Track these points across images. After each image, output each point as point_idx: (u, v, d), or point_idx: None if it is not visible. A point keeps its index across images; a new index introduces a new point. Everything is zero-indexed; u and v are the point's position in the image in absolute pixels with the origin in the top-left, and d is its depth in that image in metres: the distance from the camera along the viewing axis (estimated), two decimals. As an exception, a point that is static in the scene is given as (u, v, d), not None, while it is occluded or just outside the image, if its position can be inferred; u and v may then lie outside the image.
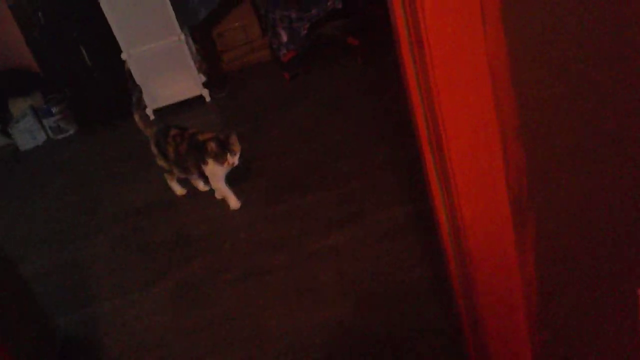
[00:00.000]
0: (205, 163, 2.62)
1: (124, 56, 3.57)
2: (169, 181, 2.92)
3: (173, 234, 2.70)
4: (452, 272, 1.18)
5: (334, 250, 2.27)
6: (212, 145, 2.54)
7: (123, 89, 3.82)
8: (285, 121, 3.34)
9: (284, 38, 3.57)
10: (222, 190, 2.71)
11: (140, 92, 3.36)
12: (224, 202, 2.75)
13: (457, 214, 1.04)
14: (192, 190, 2.93)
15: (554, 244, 1.05)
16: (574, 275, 1.09)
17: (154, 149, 2.84)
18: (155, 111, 3.76)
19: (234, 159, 2.56)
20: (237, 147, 2.58)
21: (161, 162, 2.85)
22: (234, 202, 2.71)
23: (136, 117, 2.92)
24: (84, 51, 3.71)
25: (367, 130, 3.01)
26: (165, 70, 3.63)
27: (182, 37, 3.51)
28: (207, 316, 2.17)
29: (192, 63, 3.63)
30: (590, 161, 1.00)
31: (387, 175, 2.59)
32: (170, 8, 3.44)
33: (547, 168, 0.99)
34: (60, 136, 4.07)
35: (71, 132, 4.06)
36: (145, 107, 3.72)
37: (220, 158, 2.55)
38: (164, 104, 3.75)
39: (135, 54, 3.56)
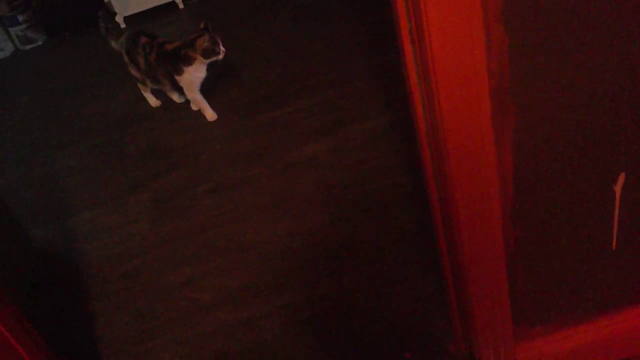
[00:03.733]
0: (181, 72, 2.52)
1: (90, -42, 3.34)
2: (143, 92, 2.82)
3: (148, 146, 2.64)
4: (428, 168, 1.15)
5: (312, 161, 2.24)
6: (204, 41, 2.41)
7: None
8: (263, 30, 3.20)
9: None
10: (198, 101, 2.63)
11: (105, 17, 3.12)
12: (200, 114, 2.67)
13: (435, 105, 0.99)
14: (168, 102, 2.84)
15: (533, 136, 1.02)
16: (551, 170, 1.06)
17: (126, 58, 2.72)
18: (127, 19, 3.57)
19: (224, 49, 2.46)
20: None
21: (134, 72, 2.74)
22: (210, 114, 2.64)
23: (111, 43, 2.76)
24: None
25: (348, 39, 2.90)
26: (135, -25, 3.42)
27: (152, -64, 3.29)
28: (184, 226, 2.15)
29: (163, -34, 3.42)
30: (575, 50, 0.94)
31: (368, 85, 2.53)
32: None
33: (530, 53, 0.94)
34: (28, 46, 3.88)
35: (40, 42, 3.87)
36: (114, 15, 3.53)
37: (214, 51, 2.43)
38: (135, 11, 3.55)
39: (103, -44, 3.34)
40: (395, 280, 1.68)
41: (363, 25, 2.96)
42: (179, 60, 2.49)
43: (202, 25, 2.45)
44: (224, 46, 2.46)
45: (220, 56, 2.46)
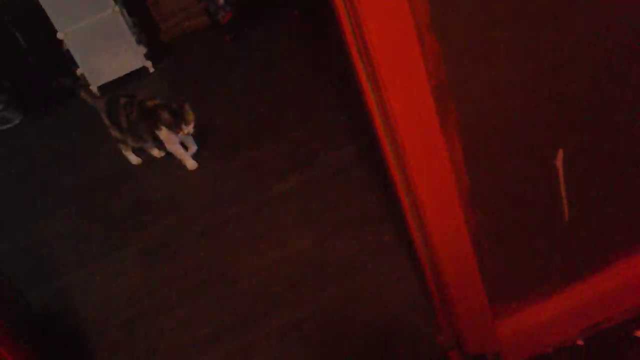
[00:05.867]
0: (159, 129, 2.66)
1: (60, 36, 3.51)
2: (124, 151, 2.93)
3: (133, 202, 2.73)
4: (393, 169, 1.27)
5: (290, 194, 2.36)
6: (165, 116, 2.57)
7: (63, 69, 3.77)
8: (231, 82, 3.37)
9: (220, 0, 3.58)
10: (179, 153, 2.75)
11: (74, 80, 3.27)
12: (181, 165, 2.79)
13: (387, 108, 1.13)
14: (148, 159, 2.96)
15: (476, 126, 1.15)
16: (497, 154, 1.19)
17: (106, 121, 2.85)
18: (100, 88, 3.72)
19: (188, 129, 2.61)
20: (191, 117, 2.62)
21: (115, 133, 2.86)
22: (190, 163, 2.76)
23: (82, 95, 2.91)
24: (18, 36, 3.63)
25: (311, 81, 3.07)
26: (104, 46, 3.59)
27: (117, 8, 3.48)
28: (175, 270, 2.24)
29: (130, 35, 3.60)
30: (497, 47, 1.09)
31: (334, 119, 2.68)
32: (100, -20, 3.41)
33: (460, 54, 1.08)
34: (5, 126, 3.98)
35: (17, 121, 3.98)
36: (88, 85, 3.68)
37: (174, 128, 2.59)
38: (108, 80, 3.71)
39: (71, 32, 3.51)
40: (380, 288, 1.78)
41: (326, 65, 3.15)
42: (158, 119, 2.63)
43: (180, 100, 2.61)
44: (195, 105, 2.60)
45: (183, 133, 2.60)
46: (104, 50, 3.60)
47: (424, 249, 1.39)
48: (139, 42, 3.70)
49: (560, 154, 1.21)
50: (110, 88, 3.74)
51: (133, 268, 2.33)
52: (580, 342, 1.42)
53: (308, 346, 1.72)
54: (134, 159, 2.95)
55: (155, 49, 3.86)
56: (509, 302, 1.36)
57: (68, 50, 3.61)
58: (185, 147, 2.77)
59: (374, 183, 2.22)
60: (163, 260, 2.31)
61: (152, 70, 3.75)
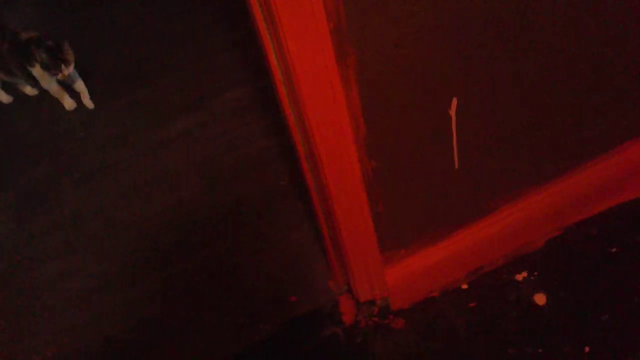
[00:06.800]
0: (33, 66, 2.39)
1: None
2: (-10, 88, 2.63)
3: (5, 143, 2.47)
4: (288, 112, 1.21)
5: (181, 136, 2.24)
6: (42, 55, 2.30)
7: None
8: (116, 15, 3.10)
9: None
10: (55, 91, 2.51)
11: None
12: (58, 103, 2.54)
13: (284, 49, 1.05)
14: (20, 96, 2.67)
15: (373, 73, 1.11)
16: (394, 103, 1.17)
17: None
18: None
19: (68, 69, 2.37)
20: (71, 56, 2.37)
21: (-21, 67, 2.53)
22: (68, 102, 2.53)
23: None
24: None
25: (202, 15, 2.89)
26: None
27: None
28: (55, 219, 2.06)
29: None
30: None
31: (226, 57, 2.55)
32: None
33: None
34: None
35: None
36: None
37: (52, 69, 2.33)
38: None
39: None
40: (275, 234, 1.75)
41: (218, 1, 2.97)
42: (33, 58, 2.35)
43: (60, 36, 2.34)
44: (72, 39, 2.35)
45: (63, 75, 2.35)
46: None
47: (318, 195, 1.36)
48: (7, -38, 3.27)
49: (454, 103, 1.20)
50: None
51: (6, 217, 2.12)
52: (464, 286, 1.48)
53: (197, 299, 1.66)
54: (4, 97, 2.65)
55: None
56: (398, 248, 1.38)
57: None
58: (67, 85, 2.52)
59: (269, 126, 2.15)
60: (39, 208, 2.12)
61: (24, -5, 3.35)
